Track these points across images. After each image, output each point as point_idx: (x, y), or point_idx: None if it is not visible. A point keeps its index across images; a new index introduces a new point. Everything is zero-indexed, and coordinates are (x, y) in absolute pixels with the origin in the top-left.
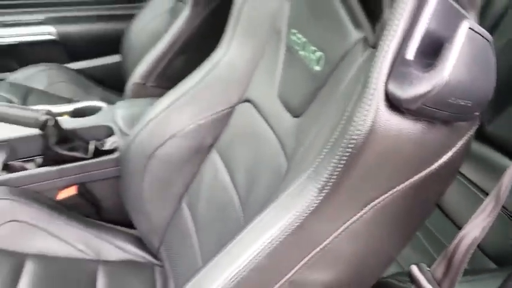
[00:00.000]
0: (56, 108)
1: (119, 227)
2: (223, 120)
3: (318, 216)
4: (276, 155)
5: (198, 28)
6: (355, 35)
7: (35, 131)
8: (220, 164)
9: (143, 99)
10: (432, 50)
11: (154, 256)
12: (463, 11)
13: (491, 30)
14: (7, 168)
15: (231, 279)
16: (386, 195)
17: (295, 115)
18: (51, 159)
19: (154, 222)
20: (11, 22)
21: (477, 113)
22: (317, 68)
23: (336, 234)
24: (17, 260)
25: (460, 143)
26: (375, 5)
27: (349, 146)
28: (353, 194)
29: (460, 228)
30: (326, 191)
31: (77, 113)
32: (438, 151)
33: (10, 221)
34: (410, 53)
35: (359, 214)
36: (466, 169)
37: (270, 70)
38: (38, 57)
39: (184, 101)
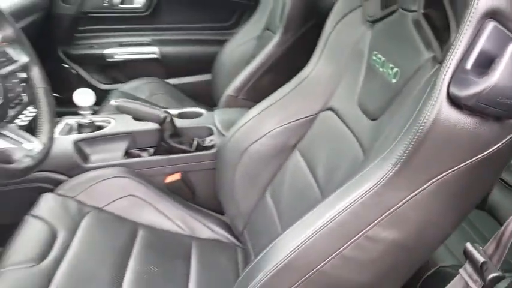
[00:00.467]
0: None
1: (210, 212)
2: (306, 124)
3: (390, 185)
4: (353, 150)
5: (285, 51)
6: (426, 54)
7: (154, 126)
8: (302, 161)
9: (235, 108)
10: (485, 63)
11: (237, 238)
12: (511, 35)
13: None
14: (128, 154)
15: (318, 229)
16: (445, 173)
17: (373, 118)
18: (163, 149)
19: (242, 208)
20: (125, 42)
21: None
22: (394, 80)
23: (403, 201)
24: (133, 227)
25: (508, 137)
26: (443, 30)
27: (418, 131)
28: (418, 170)
29: None
30: (398, 165)
31: (183, 116)
32: (489, 141)
33: (128, 195)
34: (469, 64)
35: (423, 187)
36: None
37: (351, 84)
38: (142, 72)
39: (274, 108)
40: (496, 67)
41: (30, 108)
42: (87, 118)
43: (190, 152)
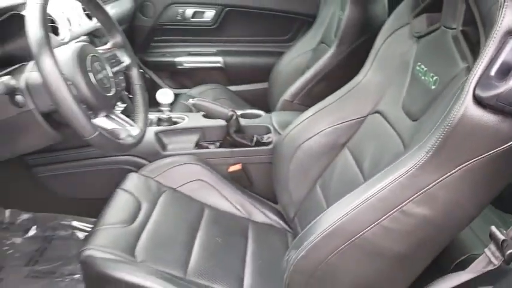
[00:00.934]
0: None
1: (265, 200)
2: (356, 125)
3: (423, 169)
4: (396, 146)
5: (339, 62)
6: (461, 64)
7: (221, 123)
8: (350, 158)
9: (290, 111)
10: (506, 71)
11: (288, 225)
12: None
13: None
14: (198, 146)
15: (361, 203)
16: (470, 161)
17: (414, 119)
18: (228, 143)
19: (294, 197)
20: (193, 52)
21: None
22: (433, 87)
23: (434, 183)
24: (200, 206)
25: None
26: (476, 45)
27: (448, 125)
28: (447, 157)
29: None
30: (430, 153)
31: (245, 116)
32: (509, 136)
33: (197, 179)
34: (493, 72)
35: (451, 172)
36: None
37: (397, 91)
38: (207, 79)
39: (327, 111)
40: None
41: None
42: (165, 114)
43: (250, 146)
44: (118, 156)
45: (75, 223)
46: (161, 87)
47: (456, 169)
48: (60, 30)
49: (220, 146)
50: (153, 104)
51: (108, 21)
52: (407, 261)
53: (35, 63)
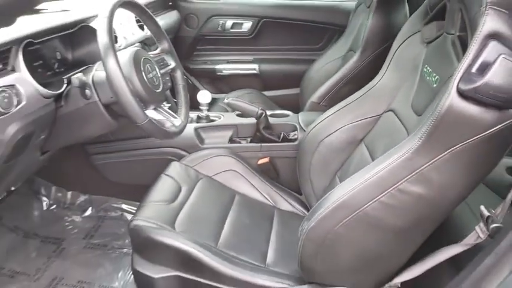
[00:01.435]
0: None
1: (290, 191)
2: (372, 123)
3: (417, 152)
4: (402, 139)
5: (362, 67)
6: (456, 65)
7: (252, 121)
8: (366, 152)
9: (315, 112)
10: (485, 68)
11: None
12: (506, 49)
13: None
14: (231, 141)
15: (364, 181)
16: (457, 146)
17: (419, 115)
18: (257, 138)
19: (315, 188)
20: (231, 60)
21: None
22: (435, 85)
23: (426, 165)
24: (232, 193)
25: (507, 122)
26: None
27: (436, 114)
28: (437, 142)
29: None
30: (423, 138)
31: (274, 116)
32: (490, 124)
33: (230, 170)
34: (474, 69)
35: (441, 155)
36: None
37: (408, 91)
38: (243, 85)
39: (347, 109)
40: (488, 71)
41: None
42: (204, 112)
43: (278, 142)
44: (163, 148)
45: (124, 206)
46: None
47: (446, 153)
48: (118, 39)
49: (251, 141)
50: (194, 105)
51: (158, 30)
52: (405, 235)
53: (99, 64)
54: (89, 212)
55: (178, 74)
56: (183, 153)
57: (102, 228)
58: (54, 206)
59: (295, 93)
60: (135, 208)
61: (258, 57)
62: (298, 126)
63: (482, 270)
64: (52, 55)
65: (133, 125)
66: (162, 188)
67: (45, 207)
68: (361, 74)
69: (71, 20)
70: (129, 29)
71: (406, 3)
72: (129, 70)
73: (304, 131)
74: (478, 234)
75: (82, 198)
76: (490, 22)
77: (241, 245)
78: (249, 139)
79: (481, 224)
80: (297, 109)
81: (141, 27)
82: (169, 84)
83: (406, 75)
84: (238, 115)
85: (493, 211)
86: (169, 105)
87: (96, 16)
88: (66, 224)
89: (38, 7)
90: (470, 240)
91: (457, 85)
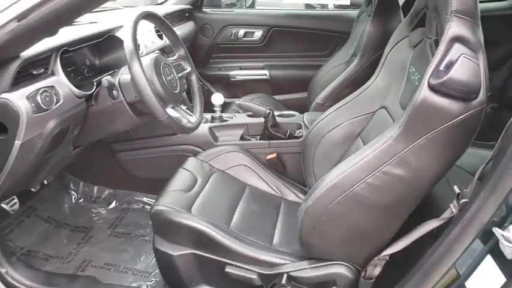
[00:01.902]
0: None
1: (296, 183)
2: (367, 119)
3: (397, 139)
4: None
5: (362, 71)
6: None
7: (261, 120)
8: (362, 144)
9: (319, 112)
10: (450, 66)
11: None
12: (467, 50)
13: None
14: (242, 138)
15: (353, 165)
16: (430, 133)
17: (403, 108)
18: (266, 136)
19: (318, 179)
20: (243, 67)
21: (475, 96)
22: (416, 83)
23: (405, 150)
24: (242, 185)
25: (471, 112)
26: None
27: (412, 106)
28: (414, 130)
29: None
30: (401, 127)
31: (281, 116)
32: (457, 113)
33: (241, 164)
34: (442, 67)
35: (417, 141)
36: None
37: (397, 90)
38: (255, 89)
39: (345, 108)
40: (451, 68)
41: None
42: (217, 113)
43: (284, 139)
44: (180, 145)
45: (145, 199)
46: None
47: (421, 139)
48: (140, 47)
49: (260, 139)
50: (209, 108)
51: (175, 39)
52: (389, 211)
53: (125, 68)
54: (113, 204)
55: (194, 78)
56: (199, 149)
57: (125, 219)
58: (82, 200)
59: (303, 97)
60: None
61: (268, 64)
62: (303, 125)
63: (451, 239)
64: (82, 61)
65: (154, 125)
66: (180, 179)
67: (73, 201)
68: (360, 77)
69: (99, 31)
70: (149, 38)
71: (401, 12)
72: (151, 73)
73: (308, 128)
74: (451, 209)
75: (107, 192)
76: (453, 27)
77: (250, 228)
78: (258, 137)
79: (454, 201)
80: (305, 111)
81: (160, 36)
82: (186, 86)
83: (396, 76)
84: (248, 116)
85: (464, 190)
86: (186, 106)
87: (121, 27)
88: (93, 215)
89: None
90: (446, 215)
91: (428, 80)
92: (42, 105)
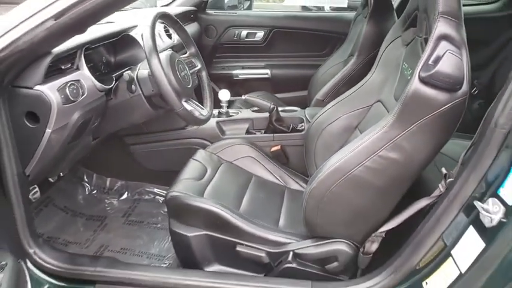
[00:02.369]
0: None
1: (298, 173)
2: (364, 112)
3: (391, 127)
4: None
5: (359, 69)
6: None
7: (265, 115)
8: (359, 135)
9: (319, 107)
10: (438, 61)
11: None
12: (452, 46)
13: None
14: (248, 132)
15: (352, 150)
16: (421, 120)
17: (396, 99)
18: (270, 129)
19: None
20: (246, 66)
21: (459, 86)
22: (409, 77)
23: (399, 136)
24: (249, 175)
25: (456, 101)
26: None
27: (404, 96)
28: (406, 117)
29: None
30: (395, 115)
31: (284, 111)
32: (444, 102)
33: (247, 156)
34: (431, 61)
35: (409, 128)
36: None
37: (392, 84)
38: (257, 87)
39: (344, 102)
40: (439, 62)
41: None
42: (224, 109)
43: (287, 132)
44: (190, 138)
45: (156, 190)
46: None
47: (413, 126)
48: None
49: (264, 132)
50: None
51: (187, 38)
52: (385, 192)
53: (141, 64)
54: (125, 195)
55: (204, 74)
56: (207, 143)
57: (137, 208)
58: (95, 191)
59: (303, 95)
60: (166, 192)
61: (269, 63)
62: (304, 119)
63: (438, 213)
64: (99, 59)
65: (165, 119)
66: (192, 169)
67: (87, 192)
68: (357, 75)
69: (116, 30)
70: (160, 38)
71: (395, 14)
72: (167, 68)
73: (310, 122)
74: (440, 189)
75: (119, 183)
76: (440, 27)
77: (257, 213)
78: (262, 130)
79: (442, 181)
80: (304, 108)
81: (169, 36)
82: (197, 82)
83: (391, 72)
84: (253, 111)
85: (451, 171)
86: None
87: (135, 27)
88: (106, 205)
89: None
90: (435, 194)
91: (419, 73)
92: (70, 97)
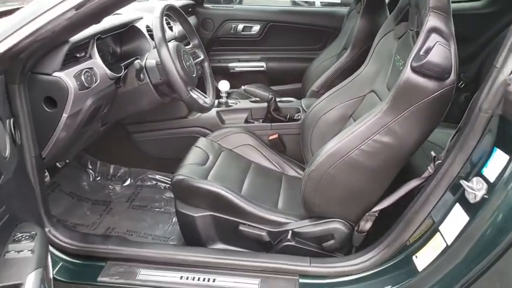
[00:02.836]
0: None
1: (295, 161)
2: (358, 102)
3: (385, 113)
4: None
5: (352, 62)
6: None
7: (264, 105)
8: (353, 123)
9: (315, 98)
10: (428, 52)
11: None
12: (442, 39)
13: None
14: (247, 121)
15: (349, 134)
16: (412, 107)
17: (389, 89)
18: (268, 119)
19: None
20: (242, 59)
21: (447, 75)
22: (400, 68)
23: (392, 121)
24: (248, 162)
25: (445, 88)
26: None
27: (397, 85)
28: (398, 104)
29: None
30: (388, 102)
31: (282, 102)
32: (433, 90)
33: (246, 144)
34: (422, 52)
35: (401, 114)
36: None
37: (384, 75)
38: (253, 80)
39: (339, 92)
40: (429, 52)
41: None
42: (224, 99)
43: (285, 121)
44: (191, 127)
45: (158, 176)
46: (217, 87)
47: (405, 112)
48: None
49: (263, 122)
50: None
51: (191, 30)
52: (379, 174)
53: (149, 53)
54: (128, 182)
55: (206, 65)
56: (207, 131)
57: (140, 194)
58: (99, 178)
59: (297, 87)
60: (168, 178)
61: (265, 56)
62: (301, 109)
63: (427, 193)
64: (107, 49)
65: (167, 109)
66: (194, 155)
67: (91, 178)
68: (351, 67)
69: (124, 21)
70: None
71: (387, 9)
72: (175, 58)
73: (306, 112)
74: (429, 170)
75: (122, 170)
76: (431, 21)
77: (258, 196)
78: (261, 120)
79: (431, 164)
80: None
81: (170, 29)
82: (200, 72)
83: (383, 64)
84: (251, 101)
85: (440, 154)
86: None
87: (141, 18)
88: (110, 191)
89: None
90: (425, 175)
91: (411, 63)
92: (85, 84)
